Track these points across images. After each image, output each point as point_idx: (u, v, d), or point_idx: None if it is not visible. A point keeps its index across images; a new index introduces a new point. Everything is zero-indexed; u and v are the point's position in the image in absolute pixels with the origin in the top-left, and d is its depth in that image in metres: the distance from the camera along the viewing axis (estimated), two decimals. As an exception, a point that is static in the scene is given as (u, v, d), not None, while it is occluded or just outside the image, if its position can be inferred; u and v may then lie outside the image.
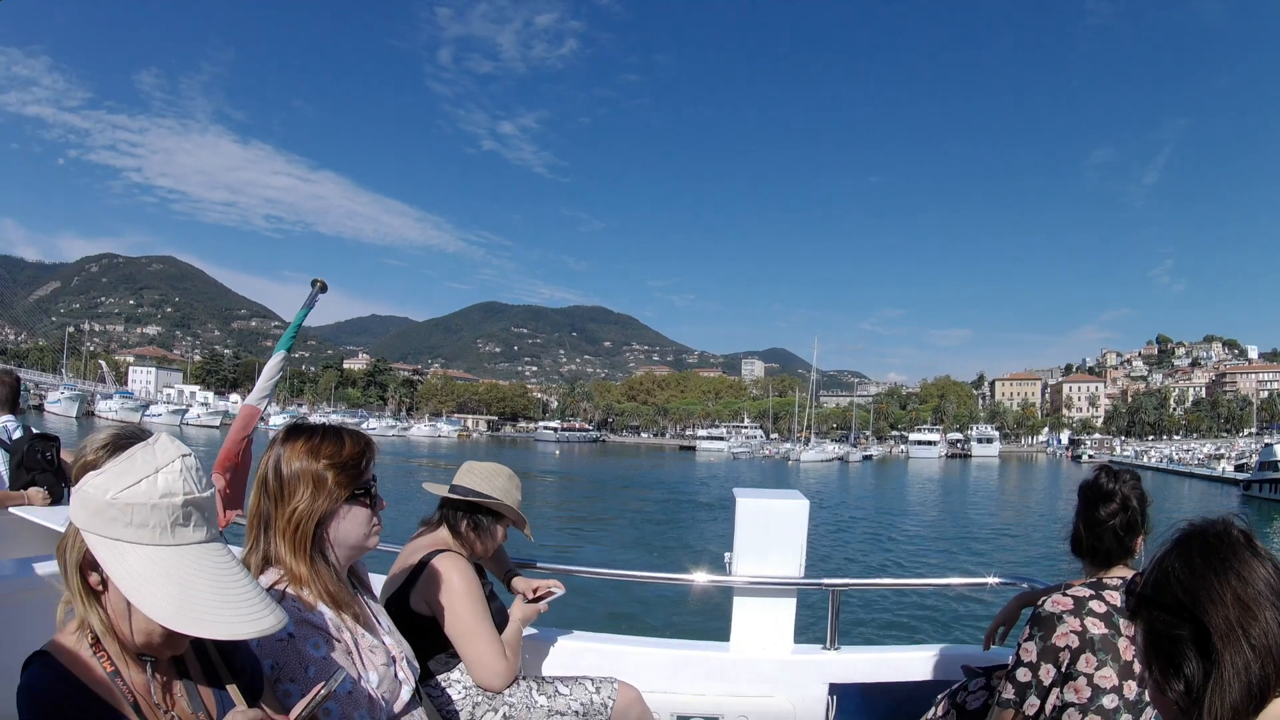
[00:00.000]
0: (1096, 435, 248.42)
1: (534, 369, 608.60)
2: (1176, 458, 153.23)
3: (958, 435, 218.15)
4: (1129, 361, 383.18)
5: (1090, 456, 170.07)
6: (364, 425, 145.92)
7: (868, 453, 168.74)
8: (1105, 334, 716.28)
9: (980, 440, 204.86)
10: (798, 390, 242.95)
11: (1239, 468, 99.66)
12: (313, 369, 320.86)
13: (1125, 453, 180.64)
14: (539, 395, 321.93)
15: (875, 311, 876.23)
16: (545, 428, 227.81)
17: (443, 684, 4.11)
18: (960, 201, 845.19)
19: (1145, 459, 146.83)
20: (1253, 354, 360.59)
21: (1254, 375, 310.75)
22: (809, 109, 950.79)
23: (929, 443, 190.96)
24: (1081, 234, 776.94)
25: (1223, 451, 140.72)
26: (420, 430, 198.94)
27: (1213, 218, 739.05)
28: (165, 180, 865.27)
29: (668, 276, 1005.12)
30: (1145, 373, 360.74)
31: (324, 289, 6.40)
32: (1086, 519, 3.56)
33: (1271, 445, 79.30)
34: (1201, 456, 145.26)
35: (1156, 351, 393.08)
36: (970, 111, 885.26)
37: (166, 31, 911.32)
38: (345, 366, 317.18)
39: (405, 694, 2.95)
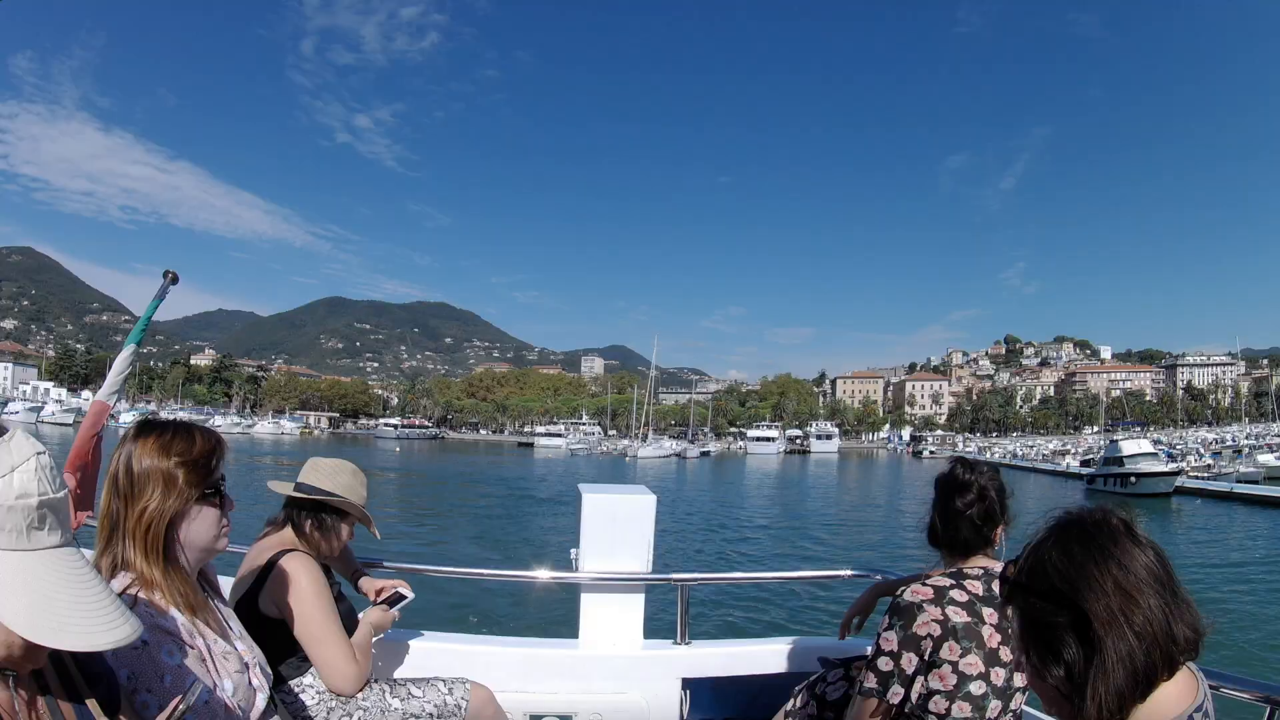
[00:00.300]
0: (939, 432, 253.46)
1: (375, 365, 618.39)
2: (1020, 453, 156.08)
3: (797, 432, 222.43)
4: (975, 361, 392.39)
5: (932, 453, 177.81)
6: (210, 422, 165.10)
7: (705, 449, 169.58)
8: (953, 333, 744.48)
9: (819, 437, 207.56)
10: (636, 387, 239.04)
11: (1085, 463, 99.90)
12: (160, 365, 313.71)
13: (968, 449, 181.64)
14: (380, 392, 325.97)
15: (717, 309, 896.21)
16: (386, 424, 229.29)
17: (296, 690, 4.00)
18: (808, 202, 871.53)
19: (989, 454, 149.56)
20: (1106, 354, 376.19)
21: (1105, 375, 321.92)
22: (660, 110, 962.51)
23: (767, 439, 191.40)
24: (933, 236, 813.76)
25: (1068, 447, 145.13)
26: (264, 428, 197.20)
27: (1067, 223, 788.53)
28: (29, 168, 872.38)
29: (511, 273, 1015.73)
30: (992, 372, 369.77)
31: (175, 280, 6.10)
32: (943, 510, 3.55)
33: (1117, 441, 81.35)
34: (1046, 452, 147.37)
35: (1004, 351, 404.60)
36: (824, 113, 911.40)
37: (44, 13, 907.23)
38: (192, 362, 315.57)
39: (260, 701, 2.87)
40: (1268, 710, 3.17)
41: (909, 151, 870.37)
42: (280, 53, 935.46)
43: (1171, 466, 70.07)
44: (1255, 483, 68.10)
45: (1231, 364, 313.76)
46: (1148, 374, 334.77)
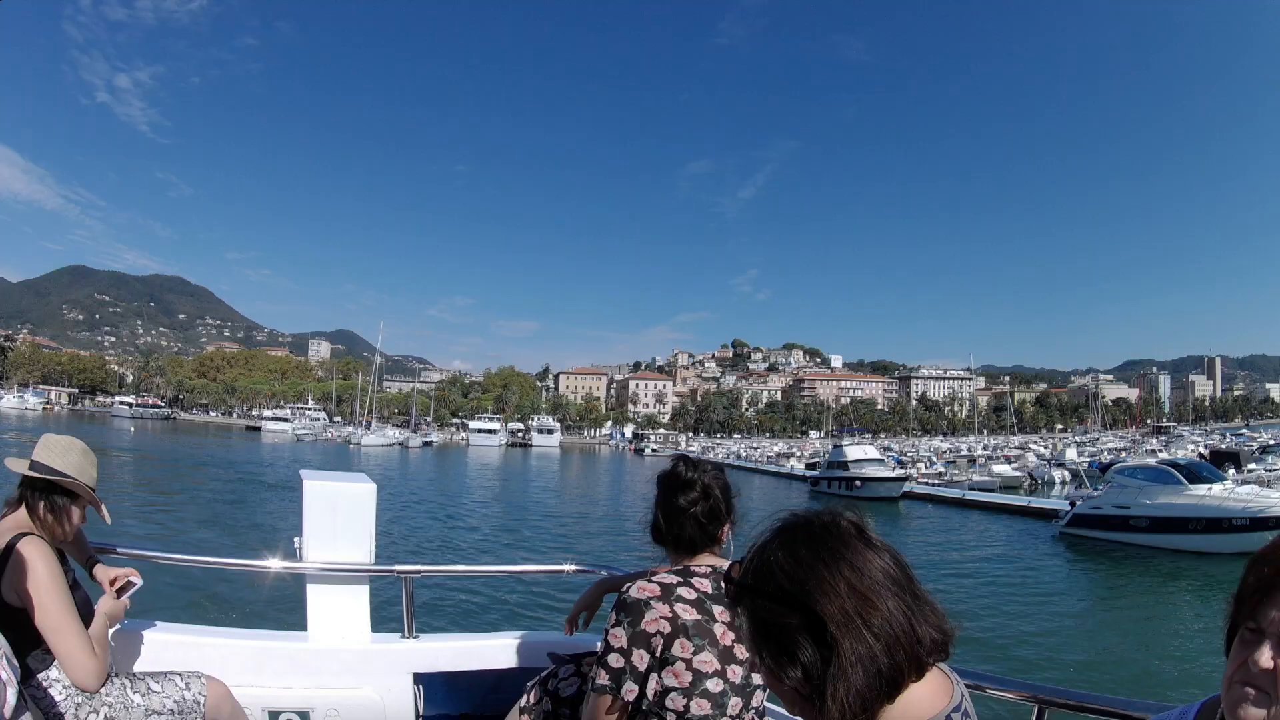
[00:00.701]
0: (661, 431, 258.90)
1: (113, 339, 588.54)
2: (744, 454, 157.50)
3: (519, 425, 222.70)
4: (702, 363, 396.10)
5: (654, 450, 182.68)
6: None
7: (428, 439, 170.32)
8: (680, 335, 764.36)
9: (541, 431, 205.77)
10: (361, 374, 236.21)
11: (810, 466, 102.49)
12: None
13: (691, 448, 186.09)
14: (116, 368, 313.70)
15: (444, 299, 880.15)
16: (121, 403, 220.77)
17: (44, 684, 3.83)
18: (543, 197, 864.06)
19: (712, 454, 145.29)
20: (837, 363, 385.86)
21: (835, 382, 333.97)
22: (404, 91, 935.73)
23: (489, 431, 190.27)
24: (667, 239, 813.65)
25: (794, 450, 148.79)
26: (10, 402, 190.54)
27: (803, 235, 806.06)
28: None
29: (246, 250, 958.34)
30: (719, 374, 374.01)
31: None
32: (666, 507, 3.53)
33: (841, 446, 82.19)
34: (771, 455, 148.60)
35: (732, 355, 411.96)
36: (569, 110, 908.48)
37: None
38: None
39: (11, 697, 2.68)
40: (1035, 710, 3.28)
41: (652, 154, 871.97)
42: (60, 1, 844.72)
43: (899, 472, 73.64)
44: (991, 490, 69.13)
45: (969, 379, 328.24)
46: (880, 384, 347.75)
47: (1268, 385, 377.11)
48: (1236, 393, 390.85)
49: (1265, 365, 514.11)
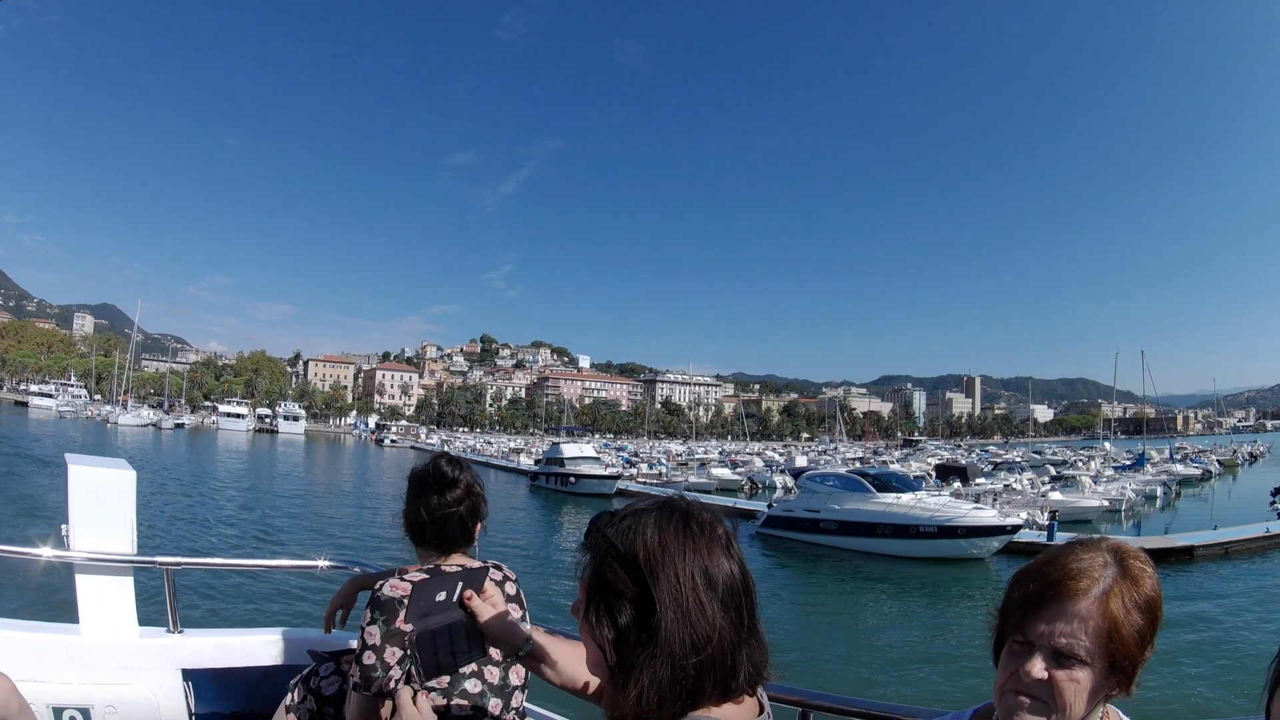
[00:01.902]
0: (403, 422, 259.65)
1: None
2: (479, 449, 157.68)
3: (267, 411, 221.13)
4: (451, 356, 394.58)
5: (393, 441, 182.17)
6: None
7: (180, 421, 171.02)
8: (432, 327, 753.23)
9: (287, 417, 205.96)
10: (120, 351, 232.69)
11: (537, 462, 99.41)
12: None
13: (430, 440, 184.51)
14: None
15: (205, 277, 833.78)
16: None
17: None
18: (301, 173, 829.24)
19: (449, 447, 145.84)
20: (585, 363, 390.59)
21: (580, 382, 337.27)
22: (171, 65, 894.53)
23: (238, 415, 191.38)
24: (424, 229, 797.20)
25: (526, 447, 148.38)
26: None
27: (559, 234, 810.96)
28: None
29: (24, 213, 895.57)
30: (466, 369, 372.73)
31: None
32: (428, 505, 3.54)
33: (559, 444, 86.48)
34: (506, 450, 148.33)
35: (480, 350, 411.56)
36: (338, 84, 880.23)
37: None
38: None
39: None
40: (799, 713, 3.37)
41: (417, 140, 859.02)
42: None
43: (611, 471, 75.84)
44: (708, 492, 69.92)
45: (716, 385, 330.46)
46: (624, 385, 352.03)
47: (1031, 406, 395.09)
48: (997, 411, 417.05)
49: (1031, 387, 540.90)
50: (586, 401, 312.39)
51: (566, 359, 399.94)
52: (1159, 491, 68.07)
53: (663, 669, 1.64)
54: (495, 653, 3.06)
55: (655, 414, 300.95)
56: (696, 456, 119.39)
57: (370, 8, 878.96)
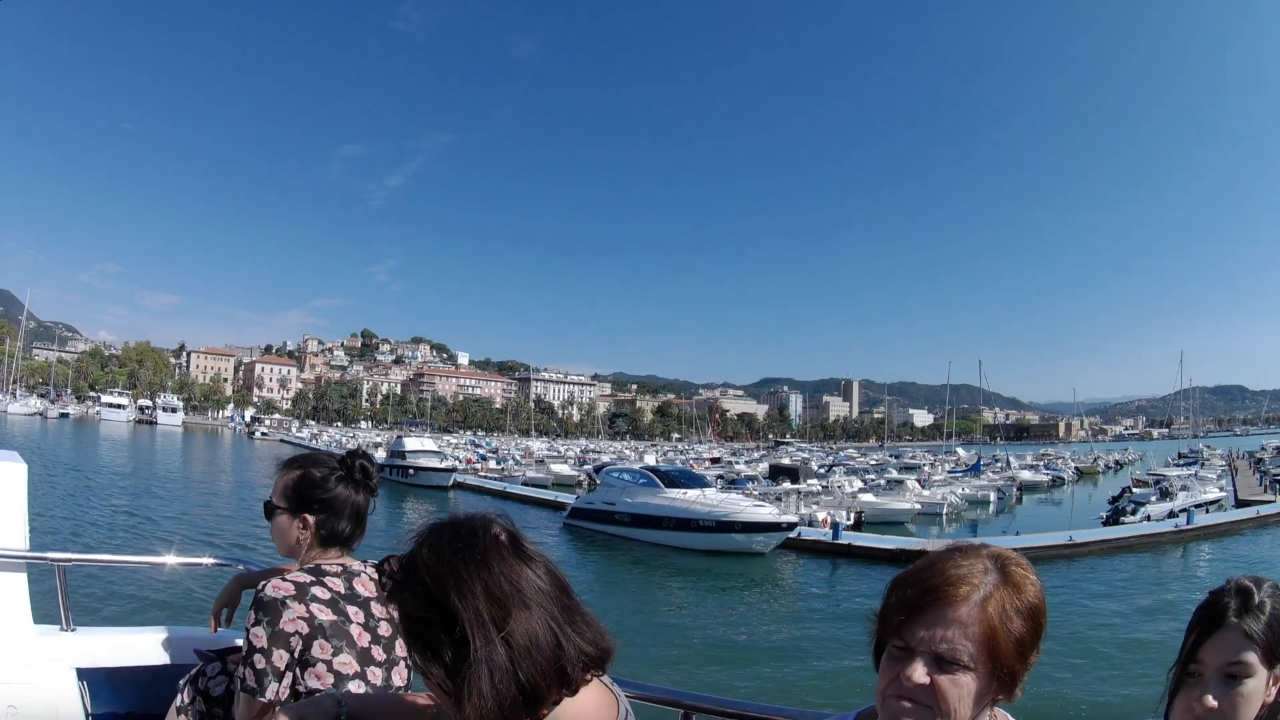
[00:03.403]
0: (278, 416, 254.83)
1: None
2: (344, 443, 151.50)
3: (148, 403, 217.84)
4: (331, 350, 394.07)
5: (264, 434, 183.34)
6: None
7: (65, 411, 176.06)
8: (315, 320, 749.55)
9: (165, 409, 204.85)
10: (10, 339, 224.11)
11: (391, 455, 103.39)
12: None
13: (301, 434, 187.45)
14: None
15: (96, 264, 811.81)
16: None
17: None
18: (190, 161, 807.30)
19: (315, 442, 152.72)
20: (463, 360, 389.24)
21: (455, 379, 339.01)
22: (66, 44, 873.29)
23: (119, 406, 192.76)
24: (310, 220, 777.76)
25: (383, 441, 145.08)
26: None
27: (444, 229, 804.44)
28: None
29: None
30: (346, 363, 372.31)
31: None
32: (328, 502, 3.54)
33: (402, 438, 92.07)
34: (369, 444, 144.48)
35: (361, 345, 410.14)
36: (225, 70, 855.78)
37: None
38: None
39: None
40: (681, 715, 3.35)
41: (305, 130, 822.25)
42: None
43: (447, 464, 78.78)
44: (544, 486, 77.51)
45: (592, 385, 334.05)
46: (499, 383, 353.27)
47: (911, 410, 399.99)
48: (876, 415, 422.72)
49: (914, 392, 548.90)
50: (460, 398, 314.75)
51: (445, 355, 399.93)
52: (993, 496, 70.44)
53: (485, 681, 1.67)
54: (377, 653, 3.21)
55: (527, 412, 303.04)
56: (555, 455, 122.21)
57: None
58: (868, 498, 57.54)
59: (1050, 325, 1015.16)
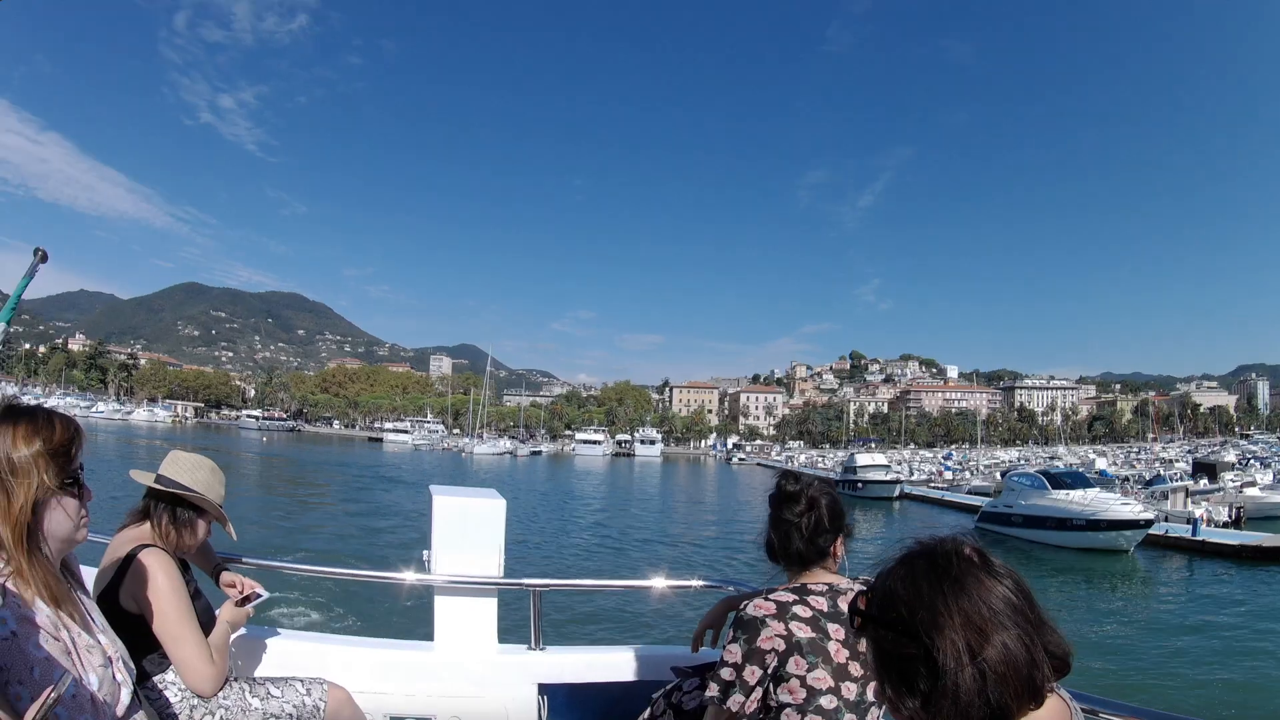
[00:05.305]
0: (759, 442, 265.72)
1: (230, 355, 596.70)
2: (815, 463, 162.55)
3: (625, 436, 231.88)
4: (820, 375, 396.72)
5: (741, 459, 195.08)
6: (94, 409, 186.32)
7: (537, 449, 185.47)
8: (803, 346, 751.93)
9: (643, 441, 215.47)
10: (477, 388, 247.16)
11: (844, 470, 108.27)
12: (28, 345, 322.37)
13: (778, 458, 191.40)
14: (239, 383, 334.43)
15: (568, 312, 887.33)
16: (248, 416, 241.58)
17: (159, 685, 3.93)
18: (662, 210, 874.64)
19: (791, 463, 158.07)
20: (952, 373, 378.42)
21: (941, 394, 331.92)
22: (526, 105, 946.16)
23: (594, 441, 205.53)
24: (789, 249, 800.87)
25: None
26: (141, 415, 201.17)
27: (922, 242, 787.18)
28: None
29: (363, 266, 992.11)
30: (835, 386, 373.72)
31: (45, 259, 6.12)
32: (775, 522, 3.53)
33: (854, 454, 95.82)
34: (831, 462, 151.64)
35: (849, 366, 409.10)
36: (683, 120, 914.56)
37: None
38: (68, 347, 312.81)
39: (125, 696, 2.75)
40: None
41: (769, 166, 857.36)
42: (154, 25, 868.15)
43: (891, 476, 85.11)
44: (987, 494, 70.59)
45: (1073, 389, 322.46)
46: (985, 394, 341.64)
47: None
48: None
49: None
50: (950, 412, 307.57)
51: (935, 370, 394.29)
52: None
53: (970, 709, 1.63)
54: (854, 669, 3.14)
55: (1008, 421, 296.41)
56: (1021, 462, 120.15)
57: (703, 51, 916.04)
58: (1252, 492, 56.96)
59: None
